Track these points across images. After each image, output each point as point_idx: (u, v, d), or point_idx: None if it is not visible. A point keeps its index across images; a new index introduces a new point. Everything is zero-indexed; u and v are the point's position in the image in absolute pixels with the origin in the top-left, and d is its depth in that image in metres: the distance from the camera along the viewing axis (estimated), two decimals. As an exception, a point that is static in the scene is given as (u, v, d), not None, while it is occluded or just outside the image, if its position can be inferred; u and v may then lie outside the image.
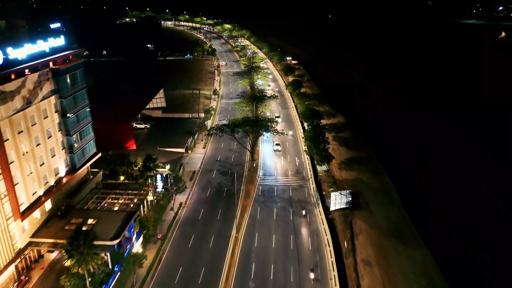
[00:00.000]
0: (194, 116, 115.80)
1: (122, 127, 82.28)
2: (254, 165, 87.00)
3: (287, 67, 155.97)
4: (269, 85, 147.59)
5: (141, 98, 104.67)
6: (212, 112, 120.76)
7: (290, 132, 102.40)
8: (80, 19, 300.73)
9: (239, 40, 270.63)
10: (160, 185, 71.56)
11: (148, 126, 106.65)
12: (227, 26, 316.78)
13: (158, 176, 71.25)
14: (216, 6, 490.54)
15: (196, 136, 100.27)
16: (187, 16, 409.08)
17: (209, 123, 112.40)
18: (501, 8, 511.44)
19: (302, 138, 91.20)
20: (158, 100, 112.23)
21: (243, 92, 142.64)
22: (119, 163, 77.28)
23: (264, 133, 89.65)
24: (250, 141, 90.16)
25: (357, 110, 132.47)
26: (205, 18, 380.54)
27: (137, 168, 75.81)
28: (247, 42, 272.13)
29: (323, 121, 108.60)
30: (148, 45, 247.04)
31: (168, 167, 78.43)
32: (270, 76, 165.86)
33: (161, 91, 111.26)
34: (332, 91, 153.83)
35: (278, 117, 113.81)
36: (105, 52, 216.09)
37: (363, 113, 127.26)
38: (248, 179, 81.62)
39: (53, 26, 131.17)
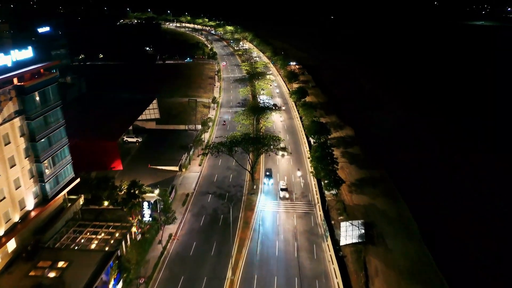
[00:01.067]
0: (191, 128, 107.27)
1: (107, 146, 73.83)
2: (255, 187, 78.30)
3: (291, 73, 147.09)
4: (270, 97, 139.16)
5: (132, 110, 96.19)
6: (210, 123, 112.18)
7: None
8: (79, 21, 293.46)
9: (241, 43, 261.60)
10: (147, 213, 63.09)
11: (139, 139, 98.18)
12: (229, 28, 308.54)
13: (145, 204, 62.70)
14: (219, 8, 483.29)
15: (191, 152, 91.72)
16: (189, 18, 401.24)
17: (206, 136, 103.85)
18: (510, 8, 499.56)
19: (308, 158, 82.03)
20: (152, 111, 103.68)
21: (244, 100, 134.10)
22: (103, 187, 69.03)
23: (267, 178, 79.45)
24: (250, 160, 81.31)
25: (367, 120, 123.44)
26: (207, 20, 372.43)
27: (122, 193, 67.39)
28: (250, 45, 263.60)
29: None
30: (147, 48, 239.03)
31: (157, 191, 69.88)
32: (275, 84, 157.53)
33: (155, 101, 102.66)
34: (339, 99, 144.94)
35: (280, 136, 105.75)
36: (101, 56, 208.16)
37: (373, 125, 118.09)
38: (248, 204, 72.91)
39: (41, 30, 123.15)
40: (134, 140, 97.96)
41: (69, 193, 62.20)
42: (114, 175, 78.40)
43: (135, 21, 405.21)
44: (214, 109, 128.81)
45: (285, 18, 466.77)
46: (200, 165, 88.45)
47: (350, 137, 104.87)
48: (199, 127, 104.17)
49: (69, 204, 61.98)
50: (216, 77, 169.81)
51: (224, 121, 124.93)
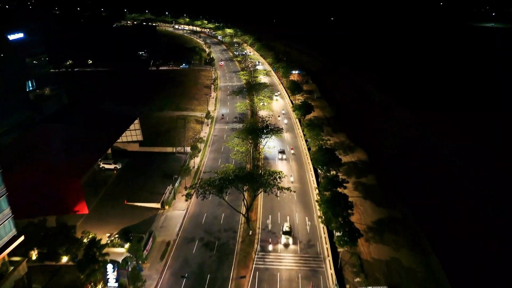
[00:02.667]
0: (179, 150, 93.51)
1: (69, 184, 60.07)
2: (250, 233, 64.43)
3: (294, 84, 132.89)
4: (272, 113, 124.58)
5: (110, 131, 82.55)
6: (203, 144, 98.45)
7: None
8: (68, 23, 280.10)
9: (240, 49, 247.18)
10: (112, 278, 49.39)
11: (118, 166, 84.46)
12: (228, 30, 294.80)
13: (109, 267, 49.00)
14: (219, 9, 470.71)
15: (177, 184, 77.97)
16: (187, 19, 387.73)
17: (196, 161, 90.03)
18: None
19: (316, 200, 67.57)
20: (133, 133, 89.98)
21: (241, 114, 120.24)
22: (60, 239, 55.62)
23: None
24: (245, 201, 67.14)
25: (379, 138, 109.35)
26: (206, 22, 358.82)
27: (83, 248, 53.88)
28: (250, 49, 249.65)
29: (340, 157, 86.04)
30: (141, 53, 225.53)
31: (127, 245, 56.20)
32: (276, 98, 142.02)
33: (137, 121, 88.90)
34: (347, 112, 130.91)
35: (282, 152, 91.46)
36: (90, 61, 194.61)
37: (387, 145, 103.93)
38: (241, 258, 59.03)
39: (13, 37, 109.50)
40: (112, 166, 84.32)
41: (10, 254, 48.62)
42: (79, 220, 64.95)
43: (129, 22, 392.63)
44: (208, 125, 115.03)
45: (287, 20, 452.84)
46: (186, 200, 74.53)
47: (362, 162, 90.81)
48: (189, 150, 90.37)
49: (11, 269, 48.35)
50: (212, 86, 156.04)
51: (223, 115, 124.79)
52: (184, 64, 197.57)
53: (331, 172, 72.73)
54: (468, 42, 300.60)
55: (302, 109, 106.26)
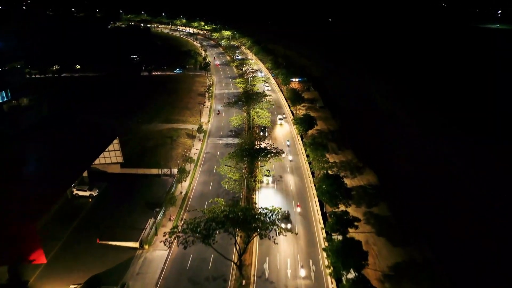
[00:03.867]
0: (166, 172, 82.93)
1: (22, 229, 49.33)
2: (244, 283, 53.73)
3: (294, 94, 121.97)
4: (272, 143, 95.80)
5: (86, 152, 71.98)
6: (192, 165, 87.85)
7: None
8: (63, 25, 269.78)
9: (237, 53, 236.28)
10: None
11: (94, 193, 73.75)
12: (226, 32, 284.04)
13: None
14: (217, 10, 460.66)
15: (160, 217, 67.34)
16: (184, 21, 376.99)
17: (185, 186, 79.31)
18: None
19: (324, 247, 56.38)
20: (112, 154, 79.22)
21: (238, 129, 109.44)
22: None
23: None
24: (237, 245, 56.17)
25: (388, 153, 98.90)
26: (203, 23, 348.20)
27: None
28: (248, 52, 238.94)
29: (347, 181, 75.63)
30: (133, 56, 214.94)
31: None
32: (280, 123, 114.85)
33: (116, 141, 78.13)
34: (352, 124, 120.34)
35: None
36: (78, 67, 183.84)
37: (398, 162, 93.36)
38: (232, 319, 48.45)
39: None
40: (86, 193, 73.57)
41: None
42: (37, 269, 54.23)
43: (127, 24, 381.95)
44: (200, 140, 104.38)
45: (287, 20, 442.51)
46: (165, 245, 63.56)
47: (372, 187, 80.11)
48: (176, 172, 79.69)
49: None
50: (207, 94, 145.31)
51: (219, 111, 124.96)
52: (178, 69, 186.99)
53: (339, 206, 61.99)
54: (472, 44, 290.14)
55: (304, 124, 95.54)
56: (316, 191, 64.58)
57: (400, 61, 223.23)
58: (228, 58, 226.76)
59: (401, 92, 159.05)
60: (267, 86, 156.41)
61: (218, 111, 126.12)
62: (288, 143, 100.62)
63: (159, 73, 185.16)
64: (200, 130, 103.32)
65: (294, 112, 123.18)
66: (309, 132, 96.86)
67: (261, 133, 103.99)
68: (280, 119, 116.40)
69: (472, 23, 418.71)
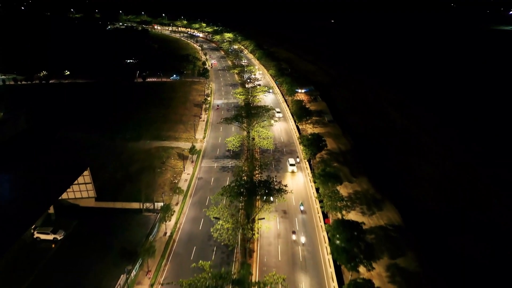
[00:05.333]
0: (148, 207, 70.12)
1: None
2: None
3: (300, 108, 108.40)
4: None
5: (51, 184, 59.45)
6: (179, 199, 74.92)
7: None
8: (57, 26, 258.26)
9: (242, 56, 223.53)
10: None
11: (60, 236, 61.05)
12: (227, 35, 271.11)
13: None
14: (219, 11, 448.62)
15: (135, 270, 54.51)
16: (185, 22, 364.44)
17: (170, 226, 66.35)
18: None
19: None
20: (83, 187, 66.43)
21: (237, 148, 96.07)
22: None
23: None
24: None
25: (410, 182, 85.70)
26: (204, 25, 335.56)
27: None
28: (251, 57, 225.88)
29: (364, 219, 62.36)
30: (129, 61, 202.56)
31: None
32: (292, 169, 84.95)
33: (87, 173, 65.35)
34: (366, 142, 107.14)
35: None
36: (68, 72, 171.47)
37: (420, 198, 79.97)
38: None
39: None
40: (50, 237, 60.90)
41: None
42: None
43: (120, 25, 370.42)
44: (192, 162, 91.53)
45: (289, 22, 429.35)
46: (147, 297, 51.04)
47: (395, 229, 66.70)
48: (161, 206, 66.79)
49: None
50: (204, 105, 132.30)
51: (218, 106, 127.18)
52: (174, 75, 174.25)
53: (358, 270, 48.67)
54: (483, 46, 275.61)
55: (312, 146, 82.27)
56: (331, 249, 51.06)
57: (408, 66, 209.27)
58: (230, 63, 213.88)
59: (415, 102, 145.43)
60: (278, 112, 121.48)
61: (217, 106, 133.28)
62: (301, 207, 69.80)
63: (154, 79, 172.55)
64: (193, 151, 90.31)
65: (300, 128, 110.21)
66: (320, 169, 78.51)
67: (265, 198, 63.66)
68: (291, 164, 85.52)
69: (484, 25, 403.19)
